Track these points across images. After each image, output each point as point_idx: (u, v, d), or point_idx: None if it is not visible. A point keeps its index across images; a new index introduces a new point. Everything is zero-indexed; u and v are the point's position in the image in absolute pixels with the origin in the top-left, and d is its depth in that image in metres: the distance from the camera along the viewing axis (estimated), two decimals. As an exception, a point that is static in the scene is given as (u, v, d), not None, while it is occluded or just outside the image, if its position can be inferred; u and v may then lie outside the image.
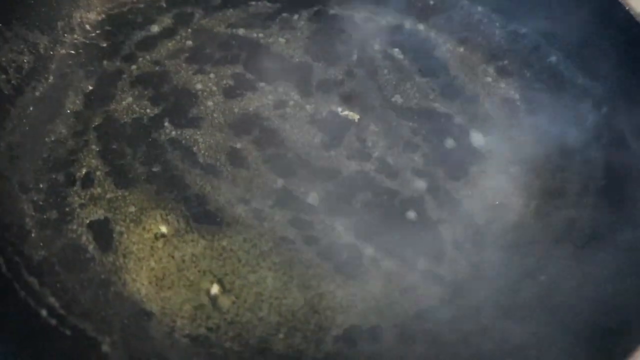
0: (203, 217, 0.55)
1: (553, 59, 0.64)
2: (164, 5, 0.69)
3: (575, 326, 0.49)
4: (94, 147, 0.59)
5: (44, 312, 0.48)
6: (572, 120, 0.60)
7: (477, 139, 0.61)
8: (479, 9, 0.67)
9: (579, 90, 0.61)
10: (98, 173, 0.57)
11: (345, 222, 0.55)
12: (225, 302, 0.51)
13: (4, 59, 0.60)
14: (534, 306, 0.51)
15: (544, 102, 0.62)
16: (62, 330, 0.48)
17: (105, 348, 0.48)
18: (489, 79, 0.65)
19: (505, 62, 0.65)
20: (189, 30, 0.68)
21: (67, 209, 0.55)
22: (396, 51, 0.66)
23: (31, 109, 0.60)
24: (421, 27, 0.68)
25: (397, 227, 0.55)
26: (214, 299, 0.51)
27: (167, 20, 0.68)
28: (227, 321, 0.51)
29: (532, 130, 0.61)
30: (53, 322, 0.48)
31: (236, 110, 0.61)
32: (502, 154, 0.60)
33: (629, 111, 0.57)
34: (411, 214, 0.56)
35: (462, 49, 0.66)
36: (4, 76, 0.59)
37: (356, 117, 0.62)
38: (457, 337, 0.50)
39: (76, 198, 0.56)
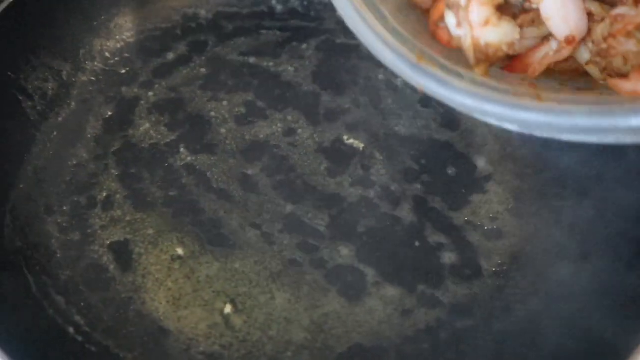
0: (217, 240, 0.59)
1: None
2: (179, 33, 0.73)
3: (570, 347, 0.53)
4: (113, 171, 0.63)
5: (71, 330, 0.52)
6: (565, 149, 0.64)
7: (476, 167, 0.65)
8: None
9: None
10: (118, 196, 0.61)
11: (349, 247, 0.59)
12: (237, 321, 0.55)
13: (30, 86, 0.64)
14: (527, 330, 0.55)
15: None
16: (88, 347, 0.51)
17: (127, 364, 0.52)
18: (487, 109, 0.68)
19: (503, 93, 0.69)
20: (203, 57, 0.71)
21: (89, 231, 0.59)
22: (399, 81, 0.70)
23: (55, 134, 0.64)
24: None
25: (398, 252, 0.59)
26: (227, 318, 0.55)
27: (182, 48, 0.72)
28: (239, 339, 0.54)
29: (528, 159, 0.65)
30: (79, 339, 0.52)
31: (247, 137, 0.65)
32: (500, 181, 0.64)
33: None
34: (412, 240, 0.59)
35: (462, 80, 0.70)
36: (30, 103, 0.63)
37: (361, 145, 0.65)
38: (453, 357, 0.54)
39: (97, 220, 0.60)
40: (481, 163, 0.65)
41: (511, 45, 0.40)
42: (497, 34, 0.40)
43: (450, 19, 0.41)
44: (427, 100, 0.69)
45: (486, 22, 0.39)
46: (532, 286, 0.57)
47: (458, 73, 0.40)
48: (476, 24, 0.40)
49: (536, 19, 0.41)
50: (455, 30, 0.41)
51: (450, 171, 0.64)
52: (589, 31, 0.40)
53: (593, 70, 0.41)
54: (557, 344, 0.53)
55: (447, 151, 0.66)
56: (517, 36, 0.40)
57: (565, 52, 0.41)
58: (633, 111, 0.34)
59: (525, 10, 0.41)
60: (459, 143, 0.66)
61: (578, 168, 0.62)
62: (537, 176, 0.64)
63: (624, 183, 0.59)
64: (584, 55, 0.41)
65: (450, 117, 0.68)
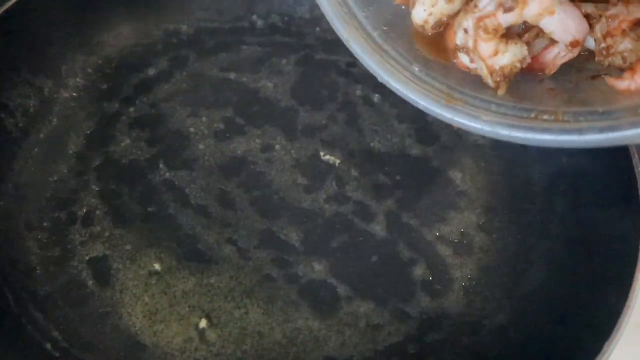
0: (193, 255, 0.60)
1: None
2: (160, 48, 0.74)
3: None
4: (93, 187, 0.64)
5: (48, 346, 0.54)
6: (536, 165, 0.66)
7: (449, 182, 0.66)
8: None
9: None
10: (97, 212, 0.62)
11: (323, 262, 0.60)
12: (212, 335, 0.57)
13: (12, 103, 0.65)
14: (494, 344, 0.56)
15: (510, 148, 0.67)
16: (64, 363, 0.53)
17: (103, 379, 0.53)
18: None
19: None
20: (184, 73, 0.73)
21: (68, 246, 0.60)
22: (377, 96, 0.71)
23: (36, 150, 0.65)
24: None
25: (371, 267, 0.60)
26: (202, 333, 0.57)
27: (163, 63, 0.73)
28: (214, 353, 0.56)
29: (500, 174, 0.67)
30: (57, 354, 0.53)
31: (226, 153, 0.66)
32: (472, 197, 0.65)
33: (588, 158, 0.62)
34: (384, 255, 0.61)
35: (437, 95, 0.71)
36: (11, 119, 0.64)
37: (337, 161, 0.67)
38: (421, 371, 0.56)
39: (77, 236, 0.61)
40: (455, 178, 0.67)
41: (523, 60, 0.43)
42: (508, 57, 0.42)
43: (463, 57, 0.45)
44: (403, 116, 0.70)
45: (495, 53, 0.43)
46: (499, 301, 0.59)
47: (485, 100, 0.43)
48: (487, 57, 0.43)
49: (540, 32, 0.43)
50: (470, 65, 0.44)
51: (424, 187, 0.66)
52: (591, 28, 0.43)
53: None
54: (523, 357, 0.55)
55: (421, 167, 0.67)
56: (526, 53, 0.43)
57: (574, 53, 0.44)
58: (633, 124, 0.38)
59: (527, 28, 0.44)
60: (433, 159, 0.68)
61: (547, 184, 0.64)
62: (507, 192, 0.65)
63: (592, 200, 0.60)
64: (591, 43, 0.43)
65: (425, 133, 0.69)
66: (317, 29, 0.76)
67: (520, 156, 0.66)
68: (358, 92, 0.72)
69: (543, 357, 0.53)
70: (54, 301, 0.57)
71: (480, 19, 0.42)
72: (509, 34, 0.43)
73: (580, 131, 0.40)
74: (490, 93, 0.44)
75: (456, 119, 0.43)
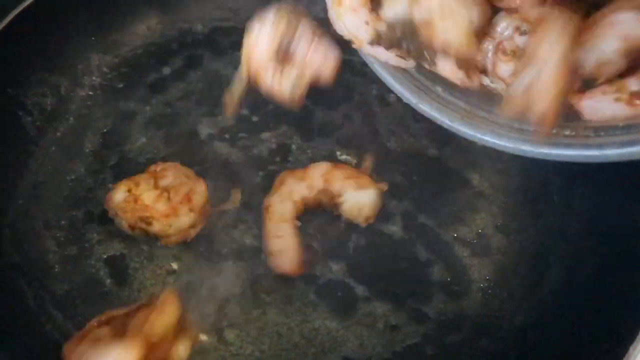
0: (210, 254, 0.60)
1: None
2: (175, 47, 0.74)
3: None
4: (110, 185, 0.64)
5: (67, 344, 0.53)
6: (551, 167, 0.65)
7: (466, 183, 0.66)
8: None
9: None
10: (114, 211, 0.62)
11: (341, 263, 0.60)
12: (230, 335, 0.56)
13: (29, 101, 0.65)
14: (512, 345, 0.56)
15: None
16: (84, 362, 0.52)
17: (122, 378, 0.53)
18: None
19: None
20: (199, 72, 0.73)
21: (86, 245, 0.60)
22: (392, 96, 0.71)
23: (53, 149, 0.65)
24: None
25: (388, 268, 0.60)
26: (220, 332, 0.56)
27: (178, 62, 0.73)
28: (232, 353, 0.56)
29: (517, 176, 0.66)
30: (75, 353, 0.53)
31: (242, 153, 0.66)
32: (489, 198, 0.65)
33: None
34: (401, 256, 0.61)
35: (453, 96, 0.71)
36: (29, 118, 0.64)
37: (353, 161, 0.66)
38: (439, 372, 0.55)
39: (94, 234, 0.61)
40: (472, 179, 0.66)
41: None
42: None
43: (485, 79, 0.47)
44: (419, 116, 0.69)
45: (514, 73, 0.44)
46: (517, 303, 0.58)
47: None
48: (506, 77, 0.46)
49: None
50: (491, 85, 0.47)
51: (441, 187, 0.66)
52: None
53: None
54: (541, 359, 0.55)
55: (438, 167, 0.67)
56: None
57: None
58: None
59: None
60: (450, 159, 0.67)
61: (564, 185, 0.64)
62: (524, 193, 0.65)
63: (610, 201, 0.60)
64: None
65: (442, 133, 0.68)
66: (332, 28, 0.75)
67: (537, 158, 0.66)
68: (374, 92, 0.72)
69: (563, 358, 0.53)
70: (72, 299, 0.57)
71: (500, 42, 0.45)
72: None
73: (600, 146, 0.42)
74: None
75: (479, 136, 0.46)
